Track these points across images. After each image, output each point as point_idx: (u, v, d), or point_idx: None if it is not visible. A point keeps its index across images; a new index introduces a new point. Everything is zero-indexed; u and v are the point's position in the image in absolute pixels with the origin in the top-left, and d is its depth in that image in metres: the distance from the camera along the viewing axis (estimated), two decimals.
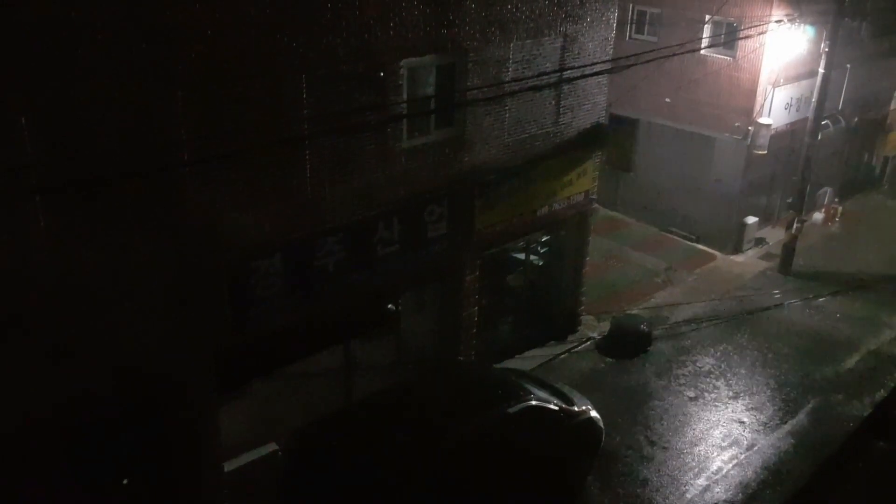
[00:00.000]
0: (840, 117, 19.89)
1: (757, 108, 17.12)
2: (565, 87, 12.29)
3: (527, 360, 13.48)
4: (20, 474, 7.95)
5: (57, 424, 7.99)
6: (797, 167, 17.55)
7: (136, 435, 8.68)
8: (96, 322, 8.01)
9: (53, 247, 7.55)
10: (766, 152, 17.32)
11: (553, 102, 12.33)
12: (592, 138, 13.22)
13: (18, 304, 7.48)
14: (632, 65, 11.97)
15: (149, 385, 8.65)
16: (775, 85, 17.20)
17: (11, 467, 7.85)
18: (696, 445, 12.02)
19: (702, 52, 17.04)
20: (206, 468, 9.60)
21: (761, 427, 12.50)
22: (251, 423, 10.34)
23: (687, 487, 11.18)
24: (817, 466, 4.59)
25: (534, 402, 10.31)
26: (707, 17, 17.26)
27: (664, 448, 11.92)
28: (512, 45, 11.23)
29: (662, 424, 12.44)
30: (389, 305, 11.57)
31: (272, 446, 10.36)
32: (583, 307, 14.80)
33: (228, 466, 9.95)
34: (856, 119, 20.56)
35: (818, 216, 20.41)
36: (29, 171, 7.18)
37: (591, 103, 13.00)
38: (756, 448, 12.00)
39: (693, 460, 11.71)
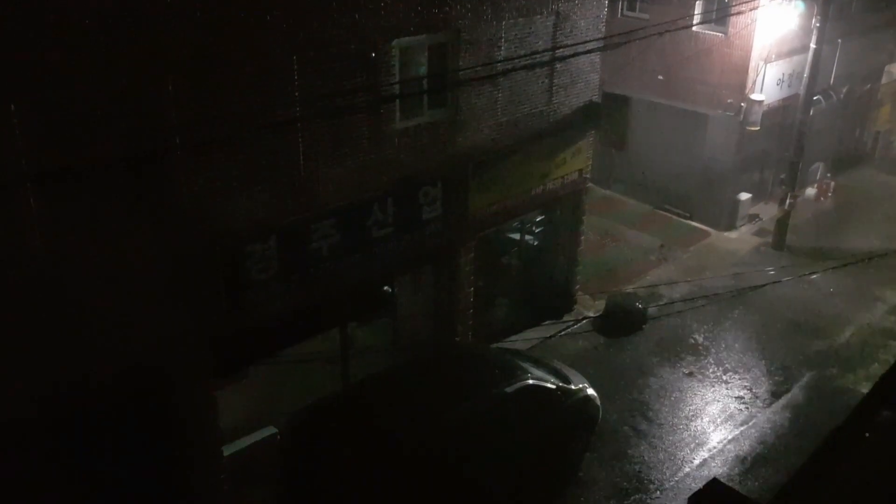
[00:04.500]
0: (832, 92, 19.88)
1: (749, 84, 17.08)
2: (558, 66, 12.23)
3: (523, 340, 13.52)
4: (17, 463, 7.94)
5: (54, 412, 7.97)
6: (790, 143, 17.55)
7: (134, 421, 8.68)
8: (91, 308, 7.98)
9: (46, 234, 7.49)
10: (758, 128, 17.30)
11: (546, 81, 12.27)
12: (586, 117, 13.19)
13: (13, 293, 7.44)
14: (624, 42, 11.91)
15: (146, 371, 8.63)
16: (767, 61, 17.15)
17: (8, 456, 7.84)
18: (692, 421, 12.12)
19: (694, 28, 16.97)
20: (206, 452, 9.61)
21: (757, 402, 12.60)
22: (250, 408, 10.35)
23: (683, 463, 11.28)
24: (823, 437, 4.62)
25: (531, 381, 10.36)
26: None
27: (660, 424, 12.01)
28: (504, 23, 11.14)
29: (659, 401, 12.52)
30: (385, 288, 11.57)
31: (271, 430, 10.38)
32: (578, 286, 14.83)
33: (228, 450, 9.97)
34: (854, 91, 20.48)
35: (811, 191, 20.45)
36: (19, 159, 7.11)
37: (584, 82, 12.94)
38: (752, 423, 12.10)
39: (689, 436, 11.80)
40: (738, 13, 15.73)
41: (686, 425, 12.03)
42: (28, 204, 7.31)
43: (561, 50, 11.88)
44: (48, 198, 7.39)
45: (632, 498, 10.63)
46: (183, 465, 9.40)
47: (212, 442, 9.66)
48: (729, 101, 17.28)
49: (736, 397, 12.70)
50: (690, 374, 13.24)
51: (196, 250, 8.64)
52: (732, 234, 18.29)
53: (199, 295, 8.84)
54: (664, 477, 11.01)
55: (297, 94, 9.00)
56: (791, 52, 17.55)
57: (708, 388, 12.93)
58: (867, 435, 4.81)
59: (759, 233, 18.44)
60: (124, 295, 8.19)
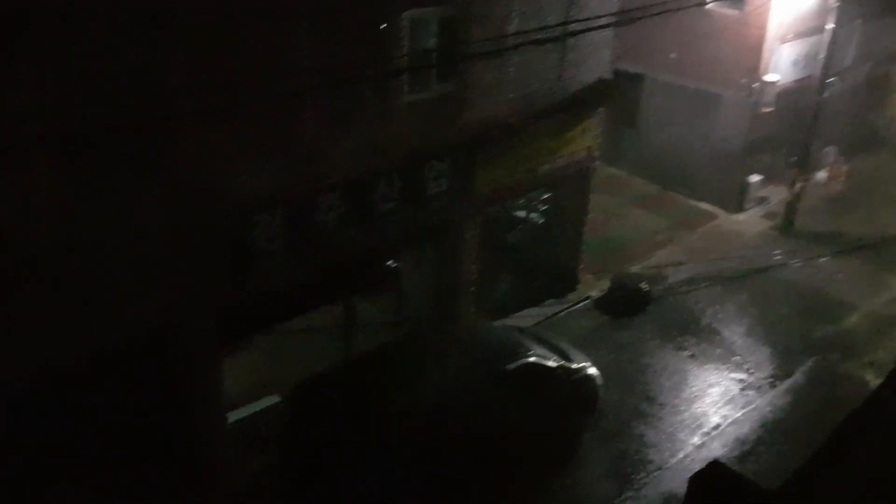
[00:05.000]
0: (848, 74, 19.59)
1: (763, 64, 16.85)
2: (569, 41, 12.06)
3: (526, 318, 13.50)
4: (23, 430, 8.02)
5: (60, 380, 8.03)
6: (803, 125, 17.34)
7: (140, 388, 8.75)
8: (98, 277, 7.99)
9: (52, 202, 7.48)
10: (771, 109, 17.10)
11: (557, 57, 12.12)
12: (596, 94, 13.04)
13: (19, 260, 7.45)
14: (637, 18, 11.70)
15: (153, 338, 8.68)
16: (783, 41, 16.90)
17: (15, 423, 7.92)
18: (693, 403, 12.13)
19: (709, 5, 16.68)
20: (211, 418, 9.71)
21: (759, 385, 12.60)
22: (254, 376, 10.44)
23: (683, 444, 11.31)
24: (840, 420, 4.60)
25: (532, 359, 10.37)
26: None
27: (661, 405, 12.03)
28: None
29: (660, 382, 12.53)
30: (389, 262, 11.56)
31: (275, 398, 10.47)
32: (582, 265, 14.77)
33: (233, 417, 10.09)
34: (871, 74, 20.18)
35: (822, 175, 20.21)
36: (26, 124, 7.07)
37: (596, 58, 12.78)
38: (753, 406, 12.11)
39: (690, 417, 11.83)
40: None
41: (687, 406, 12.05)
42: (36, 170, 7.30)
43: (573, 25, 11.70)
44: (54, 164, 7.36)
45: (631, 478, 10.69)
46: (188, 431, 9.49)
47: (217, 409, 9.75)
48: (742, 80, 17.05)
49: (738, 380, 12.70)
50: (693, 356, 13.24)
51: (204, 219, 8.63)
52: (741, 217, 18.16)
53: (206, 264, 8.85)
54: (664, 457, 11.06)
55: (305, 64, 8.91)
56: (808, 32, 17.27)
57: (710, 370, 12.93)
58: (886, 416, 4.79)
59: (768, 216, 18.29)
60: (131, 263, 8.20)
